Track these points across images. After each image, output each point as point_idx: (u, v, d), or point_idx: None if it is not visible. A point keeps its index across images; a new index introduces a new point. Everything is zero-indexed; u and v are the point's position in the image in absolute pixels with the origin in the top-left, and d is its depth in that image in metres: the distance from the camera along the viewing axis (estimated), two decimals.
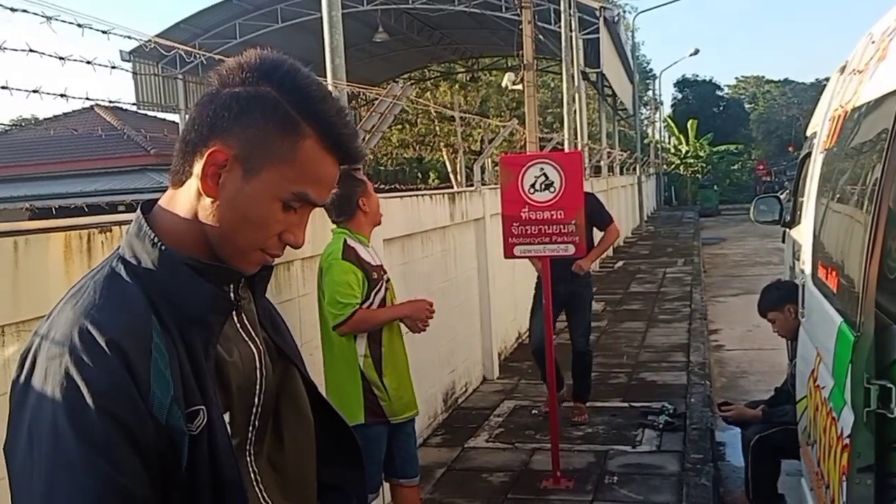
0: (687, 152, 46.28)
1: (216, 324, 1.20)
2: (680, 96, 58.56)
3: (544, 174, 5.17)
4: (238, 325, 1.27)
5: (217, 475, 1.15)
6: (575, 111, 14.39)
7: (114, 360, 1.06)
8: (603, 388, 7.33)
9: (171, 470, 1.11)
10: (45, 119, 25.89)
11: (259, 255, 1.23)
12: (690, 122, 46.17)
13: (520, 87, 16.48)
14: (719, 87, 60.22)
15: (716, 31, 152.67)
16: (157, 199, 1.26)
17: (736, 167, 48.36)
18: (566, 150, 12.92)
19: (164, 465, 1.10)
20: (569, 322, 6.62)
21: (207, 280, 1.19)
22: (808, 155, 5.34)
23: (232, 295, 1.25)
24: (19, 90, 2.81)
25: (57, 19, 2.72)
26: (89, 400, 1.03)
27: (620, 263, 17.09)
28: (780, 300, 4.67)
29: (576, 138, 14.12)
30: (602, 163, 19.51)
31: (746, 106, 65.34)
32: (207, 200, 1.18)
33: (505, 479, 5.38)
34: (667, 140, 51.00)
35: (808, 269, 3.64)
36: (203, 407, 1.14)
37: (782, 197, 7.68)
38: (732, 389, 7.62)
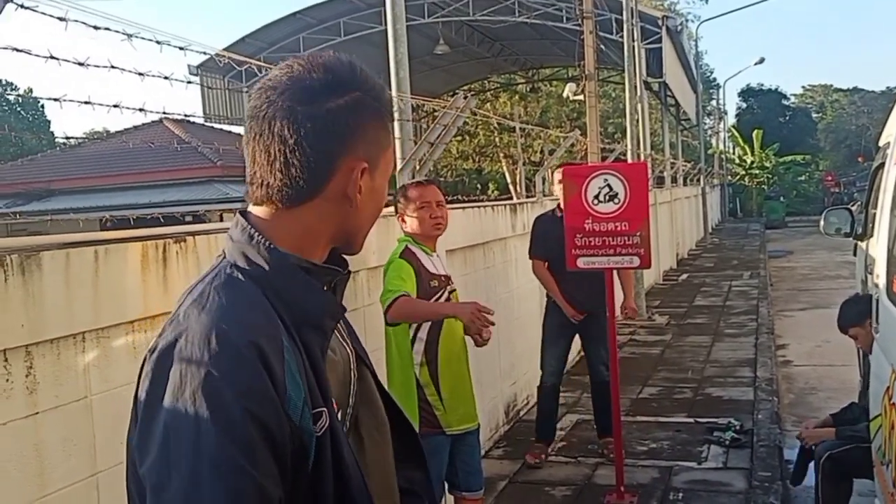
0: (752, 163, 45.39)
1: (329, 328, 1.25)
2: (745, 106, 57.59)
3: (608, 185, 5.14)
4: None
5: (340, 476, 1.18)
6: (637, 121, 14.24)
7: (254, 363, 1.08)
8: (668, 403, 7.23)
9: (300, 470, 1.13)
10: (117, 132, 26.64)
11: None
12: (755, 132, 45.29)
13: (581, 97, 16.39)
14: (785, 97, 59.09)
15: (782, 38, 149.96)
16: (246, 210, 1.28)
17: (803, 178, 47.24)
18: (628, 160, 12.79)
19: (294, 466, 1.12)
20: (588, 351, 6.12)
21: (315, 280, 1.23)
22: (882, 165, 5.19)
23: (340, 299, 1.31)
24: (101, 105, 2.91)
25: (137, 36, 2.81)
26: (233, 402, 1.05)
27: (685, 276, 16.84)
28: (861, 315, 4.52)
29: (638, 149, 13.95)
30: (665, 173, 19.27)
31: (814, 115, 63.95)
32: (349, 209, 1.25)
33: (567, 492, 5.33)
34: (731, 150, 50.11)
35: (882, 283, 3.54)
36: (325, 409, 1.17)
37: (853, 209, 7.48)
38: (801, 406, 7.44)
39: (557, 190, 5.80)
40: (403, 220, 3.88)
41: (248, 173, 1.25)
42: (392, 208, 4.00)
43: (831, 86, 71.26)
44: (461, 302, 3.89)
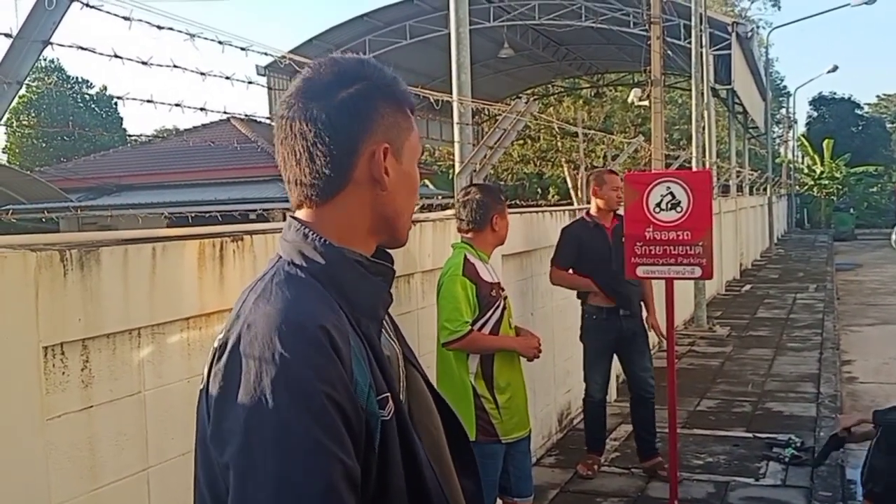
0: (821, 173, 44.26)
1: (382, 318, 1.30)
2: (815, 115, 56.09)
3: (671, 193, 5.04)
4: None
5: (413, 467, 1.20)
6: (703, 128, 13.99)
7: (327, 350, 1.10)
8: (726, 417, 7.07)
9: (368, 457, 1.14)
10: (185, 130, 27.23)
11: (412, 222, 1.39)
12: (826, 141, 44.15)
13: (646, 103, 16.17)
14: (858, 106, 57.31)
15: (856, 46, 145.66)
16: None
17: (874, 189, 45.86)
18: (693, 168, 12.58)
19: (364, 451, 1.14)
20: (631, 365, 5.75)
21: (368, 272, 1.27)
22: None
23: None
24: (163, 104, 2.95)
25: (199, 36, 2.85)
26: (314, 386, 1.07)
27: (748, 287, 16.48)
28: None
29: (703, 156, 13.72)
30: (731, 182, 18.90)
31: (888, 125, 61.95)
32: (382, 193, 1.28)
33: None
34: (800, 160, 48.93)
35: None
36: (389, 394, 1.19)
37: None
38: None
39: (597, 198, 5.69)
40: (493, 226, 3.97)
41: (284, 179, 1.29)
42: (449, 211, 4.00)
43: None
44: (522, 336, 4.00)
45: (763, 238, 25.70)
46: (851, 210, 37.84)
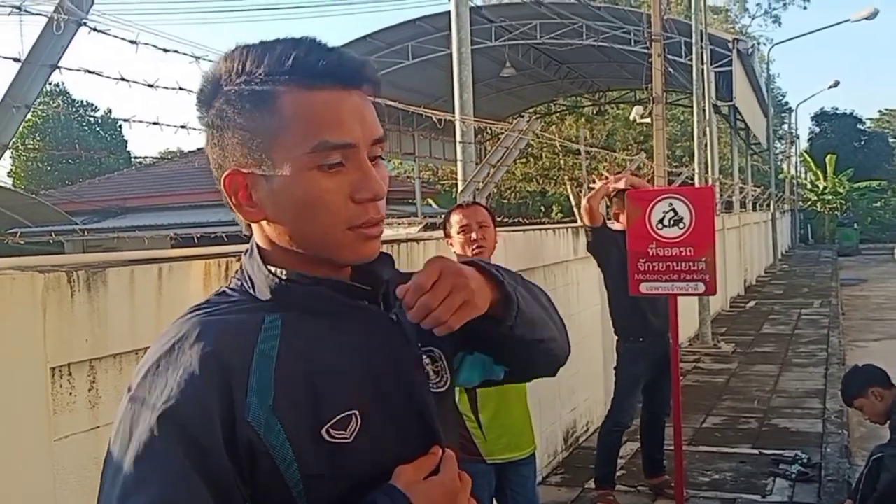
0: (825, 188, 44.29)
1: (335, 311, 1.12)
2: (818, 130, 56.16)
3: (673, 209, 5.05)
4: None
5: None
6: (706, 145, 14.03)
7: (206, 369, 1.00)
8: (732, 434, 7.05)
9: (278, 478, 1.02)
10: (189, 152, 27.33)
11: (354, 235, 1.08)
12: (829, 156, 44.21)
13: (648, 120, 16.22)
14: (861, 121, 57.39)
15: (858, 62, 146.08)
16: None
17: (878, 204, 45.87)
18: (696, 184, 12.61)
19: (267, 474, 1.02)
20: (657, 387, 5.52)
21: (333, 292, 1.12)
22: None
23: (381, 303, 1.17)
24: (168, 125, 2.99)
25: (205, 59, 2.88)
26: (151, 418, 0.98)
27: (752, 303, 16.46)
28: (864, 385, 4.47)
29: (706, 173, 13.75)
30: (734, 198, 18.92)
31: (891, 140, 61.98)
32: (265, 224, 1.11)
33: None
34: (803, 175, 48.98)
35: None
36: (355, 411, 1.06)
37: None
38: (872, 440, 7.12)
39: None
40: (450, 243, 3.88)
41: None
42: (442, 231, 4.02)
43: None
44: None
45: (767, 254, 25.68)
46: (855, 225, 37.86)
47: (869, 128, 59.51)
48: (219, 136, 1.09)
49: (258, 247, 1.14)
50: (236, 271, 1.19)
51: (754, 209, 23.14)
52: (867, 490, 4.30)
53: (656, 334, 5.40)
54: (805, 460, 6.07)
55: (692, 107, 14.88)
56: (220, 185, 1.11)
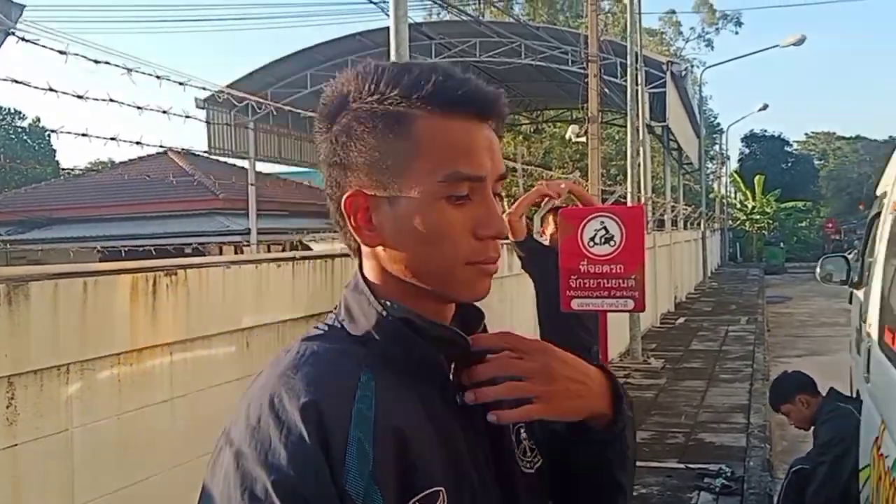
0: (753, 208, 45.55)
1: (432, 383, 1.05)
2: (747, 151, 57.93)
3: (604, 227, 5.13)
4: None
5: None
6: (639, 164, 14.33)
7: (302, 434, 0.91)
8: (659, 449, 7.18)
9: None
10: (121, 163, 26.80)
11: (473, 271, 1.04)
12: (757, 177, 45.51)
13: (583, 139, 16.51)
14: (788, 143, 59.43)
15: (786, 86, 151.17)
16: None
17: (804, 224, 47.42)
18: (629, 203, 12.86)
19: None
20: None
21: (428, 342, 1.04)
22: (878, 215, 5.21)
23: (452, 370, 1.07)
24: (98, 137, 2.95)
25: (137, 71, 2.86)
26: (260, 477, 0.90)
27: (682, 320, 16.80)
28: (790, 392, 4.63)
29: (639, 192, 14.02)
30: (666, 217, 19.33)
31: (816, 162, 64.30)
32: (380, 250, 1.04)
33: None
34: (733, 195, 50.33)
35: (874, 332, 3.54)
36: (442, 488, 0.97)
37: (850, 257, 7.49)
38: (794, 453, 7.35)
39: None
40: None
41: None
42: None
43: (834, 133, 71.64)
44: None
45: (697, 271, 26.24)
46: (782, 244, 39.03)
47: (796, 150, 61.66)
48: (343, 154, 1.03)
49: (364, 278, 1.07)
50: (335, 307, 1.10)
51: (685, 228, 23.66)
52: (787, 502, 4.44)
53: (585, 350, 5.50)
54: (729, 474, 6.23)
55: (626, 126, 15.20)
56: (338, 204, 1.04)
